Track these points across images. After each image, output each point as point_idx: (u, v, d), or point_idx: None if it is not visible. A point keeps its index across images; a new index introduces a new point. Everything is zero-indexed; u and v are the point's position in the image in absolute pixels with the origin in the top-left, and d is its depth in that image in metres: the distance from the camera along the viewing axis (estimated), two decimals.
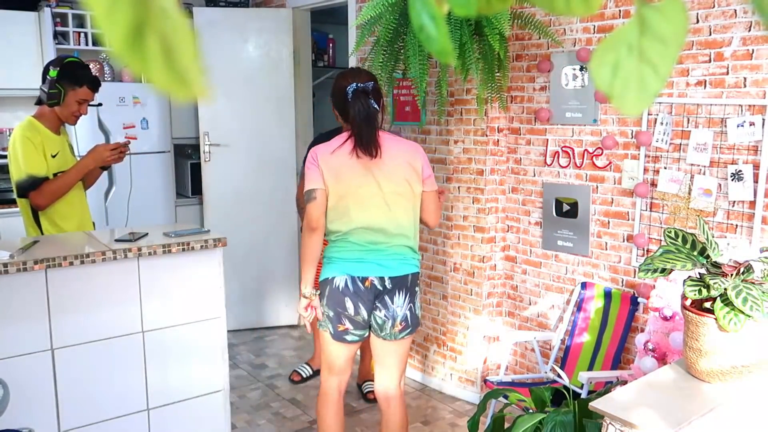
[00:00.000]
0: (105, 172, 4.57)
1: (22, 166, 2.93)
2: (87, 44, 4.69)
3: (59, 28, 4.58)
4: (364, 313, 2.52)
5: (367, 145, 2.45)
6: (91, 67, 4.71)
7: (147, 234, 2.87)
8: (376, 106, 2.49)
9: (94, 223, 3.38)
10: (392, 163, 2.50)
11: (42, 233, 3.02)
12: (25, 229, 3.11)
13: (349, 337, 2.57)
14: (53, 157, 3.03)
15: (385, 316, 2.53)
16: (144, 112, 4.76)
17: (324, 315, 2.57)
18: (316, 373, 3.99)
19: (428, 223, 2.66)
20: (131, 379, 2.75)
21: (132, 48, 0.39)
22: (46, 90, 3.01)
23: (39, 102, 3.08)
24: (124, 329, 2.71)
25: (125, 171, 4.39)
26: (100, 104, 3.93)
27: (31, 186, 2.95)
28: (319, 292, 2.58)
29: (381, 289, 2.51)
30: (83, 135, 4.47)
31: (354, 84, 2.47)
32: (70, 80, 3.00)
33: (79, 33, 4.67)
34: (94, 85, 3.08)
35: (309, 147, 3.83)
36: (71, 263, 2.51)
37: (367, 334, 2.61)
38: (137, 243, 2.72)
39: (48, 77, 3.01)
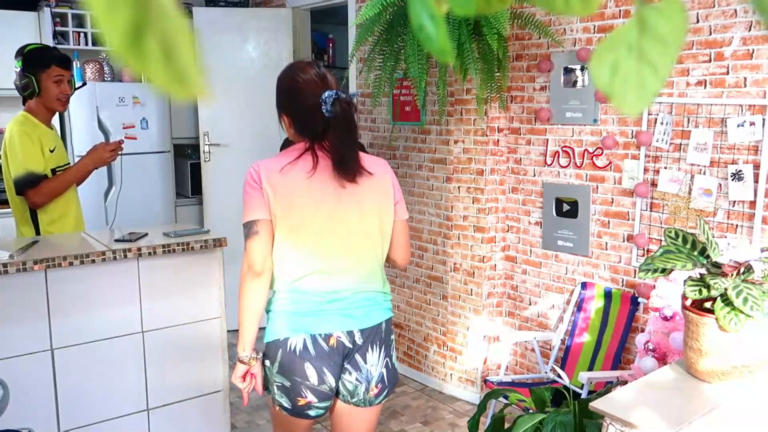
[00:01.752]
0: (105, 172, 4.58)
1: (21, 162, 2.87)
2: (87, 44, 4.70)
3: (59, 28, 4.58)
4: (330, 380, 1.93)
5: (347, 166, 1.90)
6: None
7: (147, 234, 2.88)
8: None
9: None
10: (361, 186, 1.94)
11: (39, 232, 2.97)
12: (17, 228, 3.04)
13: (312, 412, 1.96)
14: (51, 152, 2.97)
15: (357, 379, 1.96)
16: (144, 112, 4.76)
17: (275, 387, 1.96)
18: None
19: (397, 262, 2.10)
20: (131, 379, 2.75)
21: (132, 48, 0.39)
22: (18, 83, 2.93)
23: (24, 99, 3.01)
24: (124, 329, 2.71)
25: (125, 171, 4.39)
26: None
27: (29, 183, 2.89)
28: (262, 355, 2.00)
29: (350, 346, 1.93)
30: (83, 135, 4.47)
31: (332, 92, 1.87)
32: (37, 65, 2.91)
33: (78, 33, 4.67)
34: (62, 61, 2.97)
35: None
36: (71, 263, 2.52)
37: (332, 404, 2.03)
38: (137, 243, 2.72)
39: (15, 70, 2.93)
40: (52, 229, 3.01)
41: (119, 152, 3.15)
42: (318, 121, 1.89)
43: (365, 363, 1.96)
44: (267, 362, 1.98)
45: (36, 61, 2.91)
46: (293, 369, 1.91)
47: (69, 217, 3.08)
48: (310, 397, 1.93)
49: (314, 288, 1.92)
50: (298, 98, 1.91)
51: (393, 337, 2.07)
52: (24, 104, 3.03)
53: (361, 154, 1.99)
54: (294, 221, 1.89)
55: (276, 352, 1.93)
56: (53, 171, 2.99)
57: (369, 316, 1.97)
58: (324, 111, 1.86)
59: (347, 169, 1.90)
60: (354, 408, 2.03)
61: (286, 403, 1.96)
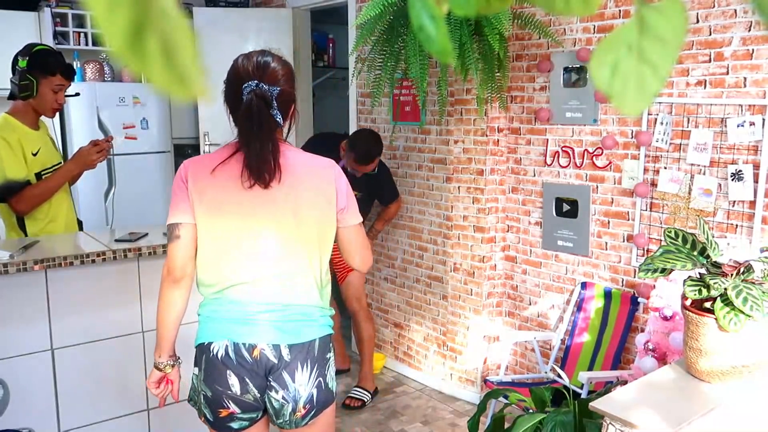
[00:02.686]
0: (105, 172, 4.58)
1: None
2: (87, 44, 4.70)
3: (59, 28, 4.58)
4: (254, 390, 1.80)
5: (258, 168, 1.74)
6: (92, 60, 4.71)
7: (147, 234, 2.87)
8: (279, 118, 1.75)
9: (81, 222, 3.28)
10: (297, 191, 1.79)
11: (26, 236, 2.89)
12: (6, 233, 2.96)
13: (235, 425, 1.84)
14: (34, 155, 2.86)
15: (283, 398, 1.80)
16: (144, 112, 4.76)
17: (201, 397, 1.84)
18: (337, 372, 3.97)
19: (353, 266, 2.00)
20: (131, 379, 2.75)
21: (132, 48, 0.39)
22: (16, 82, 2.83)
23: (11, 96, 2.89)
24: (124, 329, 2.71)
25: (125, 171, 4.39)
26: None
27: (9, 191, 2.79)
28: (180, 361, 1.93)
29: (275, 361, 1.78)
30: (83, 135, 4.47)
31: (252, 83, 1.71)
32: (42, 69, 2.83)
33: (78, 33, 4.67)
34: (68, 72, 2.90)
35: (308, 142, 3.81)
36: (71, 263, 2.51)
37: (259, 416, 1.88)
38: (137, 243, 2.72)
39: (17, 68, 2.83)
40: (41, 234, 2.91)
41: (109, 150, 3.05)
42: (238, 114, 1.75)
43: (293, 381, 1.80)
44: (195, 370, 1.87)
45: (42, 66, 2.84)
46: (215, 376, 1.80)
47: (58, 222, 3.00)
48: (233, 408, 1.81)
49: (241, 298, 1.80)
50: (230, 87, 1.76)
51: (330, 355, 1.89)
52: (9, 98, 2.91)
53: (306, 156, 1.88)
54: (217, 229, 1.79)
55: (201, 358, 1.83)
56: (39, 174, 2.89)
57: (300, 331, 1.81)
58: (241, 100, 1.72)
59: (256, 172, 1.74)
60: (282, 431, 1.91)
61: (209, 415, 1.84)
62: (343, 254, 1.96)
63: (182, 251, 1.78)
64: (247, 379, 1.79)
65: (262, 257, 1.79)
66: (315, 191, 1.82)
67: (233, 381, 1.79)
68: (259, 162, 1.73)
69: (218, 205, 1.77)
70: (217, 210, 1.77)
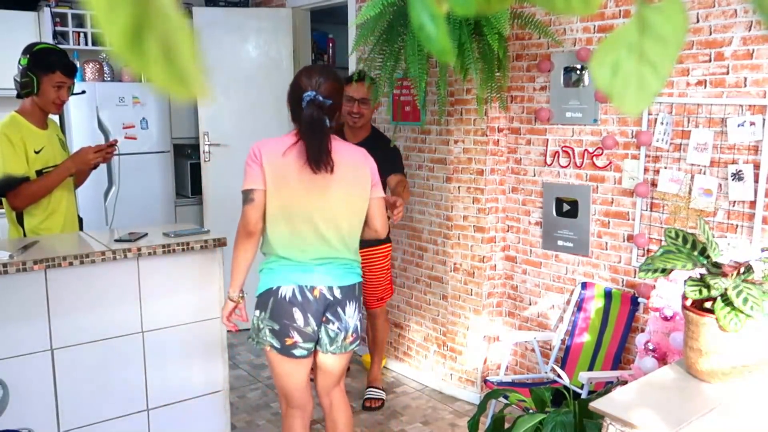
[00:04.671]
0: (105, 172, 4.58)
1: None
2: (87, 44, 4.70)
3: (59, 28, 4.58)
4: (313, 324, 2.35)
5: (317, 161, 2.27)
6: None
7: (147, 234, 2.87)
8: (327, 122, 2.30)
9: (81, 219, 3.29)
10: (342, 173, 2.34)
11: (25, 233, 2.93)
12: (8, 230, 3.01)
13: (297, 352, 2.37)
14: (36, 153, 2.91)
15: (338, 328, 2.39)
16: (144, 112, 4.76)
17: (266, 330, 2.37)
18: None
19: (376, 229, 2.49)
20: (131, 379, 2.75)
21: (132, 48, 0.39)
22: (18, 80, 2.88)
23: (18, 95, 2.95)
24: (124, 329, 2.71)
25: (125, 171, 4.39)
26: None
27: (6, 186, 2.84)
28: (255, 306, 2.44)
29: (331, 299, 2.36)
30: (83, 135, 4.47)
31: (311, 93, 2.28)
32: (42, 67, 2.87)
33: (78, 33, 4.67)
34: (68, 69, 2.94)
35: None
36: (71, 263, 2.52)
37: (313, 348, 2.43)
38: (137, 243, 2.72)
39: (19, 66, 2.88)
40: (39, 230, 2.96)
41: (113, 153, 3.09)
42: (300, 116, 2.31)
43: (344, 315, 2.40)
44: (257, 312, 2.40)
45: (42, 63, 2.87)
46: (283, 313, 2.33)
47: (57, 216, 3.02)
48: (297, 338, 2.35)
49: (302, 254, 2.34)
50: (293, 88, 2.35)
51: (361, 297, 2.50)
52: (18, 97, 2.97)
53: (343, 144, 2.42)
54: (284, 198, 2.29)
55: (268, 300, 2.35)
56: (40, 172, 2.93)
57: (346, 277, 2.40)
58: (302, 107, 2.30)
59: (317, 163, 2.28)
60: (332, 356, 2.46)
61: (276, 344, 2.37)
62: (368, 220, 2.45)
63: (256, 211, 2.29)
64: (309, 315, 2.34)
65: (317, 223, 2.32)
66: (355, 174, 2.38)
67: (298, 316, 2.33)
68: (317, 156, 2.27)
69: (286, 179, 2.29)
70: (285, 182, 2.29)
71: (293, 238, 2.33)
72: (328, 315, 2.38)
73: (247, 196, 2.29)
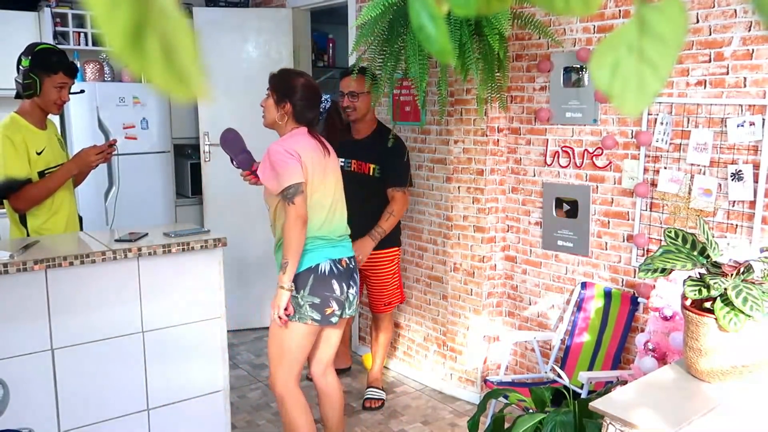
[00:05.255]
0: (105, 172, 4.58)
1: (0, 167, 2.82)
2: (87, 44, 4.69)
3: (59, 28, 4.58)
4: (345, 290, 2.68)
5: (325, 146, 2.73)
6: (87, 59, 4.71)
7: (147, 234, 2.87)
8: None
9: (81, 218, 3.29)
10: (336, 161, 2.79)
11: (28, 233, 2.94)
12: (10, 230, 3.02)
13: (334, 319, 2.67)
14: (38, 153, 2.92)
15: (355, 292, 2.75)
16: (144, 112, 4.76)
17: (306, 306, 2.60)
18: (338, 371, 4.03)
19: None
20: (131, 379, 2.75)
21: (132, 48, 0.39)
22: (20, 81, 2.87)
23: (18, 95, 2.95)
24: (124, 329, 2.71)
25: (125, 171, 4.39)
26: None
27: (8, 188, 2.84)
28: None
29: (352, 267, 2.74)
30: (83, 135, 4.47)
31: (328, 97, 2.85)
32: (44, 68, 2.87)
33: (79, 33, 4.67)
34: (70, 70, 2.95)
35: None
36: (71, 263, 2.52)
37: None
38: (137, 243, 2.72)
39: (21, 67, 2.87)
40: (43, 231, 2.96)
41: (112, 153, 3.10)
42: (316, 114, 2.74)
43: (357, 280, 2.79)
44: (293, 292, 2.60)
45: (44, 65, 2.87)
46: (324, 286, 2.61)
47: (60, 215, 3.03)
48: (335, 306, 2.65)
49: (330, 234, 2.67)
50: (308, 94, 2.70)
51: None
52: (16, 98, 2.97)
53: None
54: (314, 186, 2.61)
55: (308, 278, 2.60)
56: (42, 173, 2.93)
57: (351, 248, 2.79)
58: (322, 108, 2.78)
59: (326, 149, 2.72)
60: (342, 319, 2.76)
61: (316, 316, 2.62)
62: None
63: (305, 201, 2.56)
64: (343, 283, 2.67)
65: (338, 205, 2.74)
66: (336, 157, 2.80)
67: (336, 286, 2.64)
68: (323, 143, 2.74)
69: (314, 170, 2.60)
70: (313, 174, 2.60)
71: (326, 220, 2.66)
72: (350, 282, 2.72)
73: (297, 189, 2.53)
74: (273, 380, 2.75)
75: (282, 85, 2.69)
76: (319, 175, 2.63)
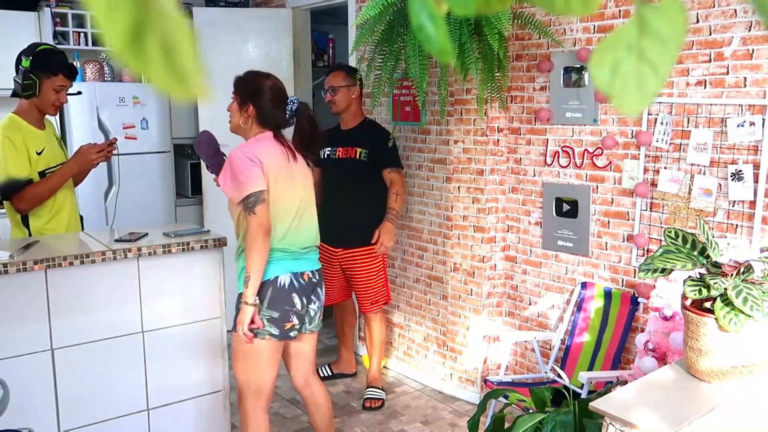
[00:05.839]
0: (105, 172, 4.58)
1: (2, 168, 2.82)
2: (87, 44, 4.70)
3: (59, 28, 4.58)
4: (306, 305, 2.55)
5: (293, 152, 2.56)
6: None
7: (147, 234, 2.87)
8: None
9: (82, 218, 3.30)
10: (305, 167, 2.62)
11: (30, 233, 2.93)
12: (11, 230, 3.01)
13: (293, 333, 2.54)
14: (39, 154, 2.91)
15: (317, 307, 2.63)
16: (144, 112, 4.76)
17: (264, 320, 2.44)
18: (336, 375, 4.05)
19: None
20: (131, 379, 2.75)
21: (132, 48, 0.39)
22: (20, 81, 2.86)
23: (15, 94, 2.93)
24: (124, 329, 2.71)
25: (125, 171, 4.39)
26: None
27: (11, 189, 2.84)
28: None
29: (315, 281, 2.60)
30: (83, 135, 4.47)
31: (295, 99, 2.63)
32: (45, 69, 2.86)
33: (79, 33, 4.67)
34: (70, 73, 2.94)
35: None
36: (71, 263, 2.52)
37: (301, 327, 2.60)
38: (137, 243, 2.72)
39: (21, 67, 2.86)
40: (45, 231, 2.96)
41: (112, 152, 3.09)
42: (282, 117, 2.58)
43: (322, 295, 2.66)
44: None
45: (46, 66, 2.87)
46: (283, 300, 2.46)
47: (62, 215, 3.03)
48: (294, 320, 2.51)
49: (292, 245, 2.51)
50: (275, 96, 2.54)
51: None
52: (13, 96, 2.96)
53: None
54: (277, 193, 2.43)
55: (266, 291, 2.44)
56: (43, 173, 2.93)
57: (317, 261, 2.66)
58: (289, 111, 2.59)
59: (294, 154, 2.55)
60: (308, 334, 2.66)
61: (275, 331, 2.47)
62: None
63: (268, 210, 2.40)
64: (304, 298, 2.53)
65: (303, 214, 2.55)
66: (304, 162, 2.62)
67: (297, 301, 2.50)
68: (290, 147, 2.57)
69: (276, 177, 2.43)
70: (276, 181, 2.43)
71: (289, 231, 2.50)
72: (312, 296, 2.59)
73: (258, 197, 2.37)
74: (240, 398, 2.59)
75: (245, 87, 2.53)
76: (284, 182, 2.45)
